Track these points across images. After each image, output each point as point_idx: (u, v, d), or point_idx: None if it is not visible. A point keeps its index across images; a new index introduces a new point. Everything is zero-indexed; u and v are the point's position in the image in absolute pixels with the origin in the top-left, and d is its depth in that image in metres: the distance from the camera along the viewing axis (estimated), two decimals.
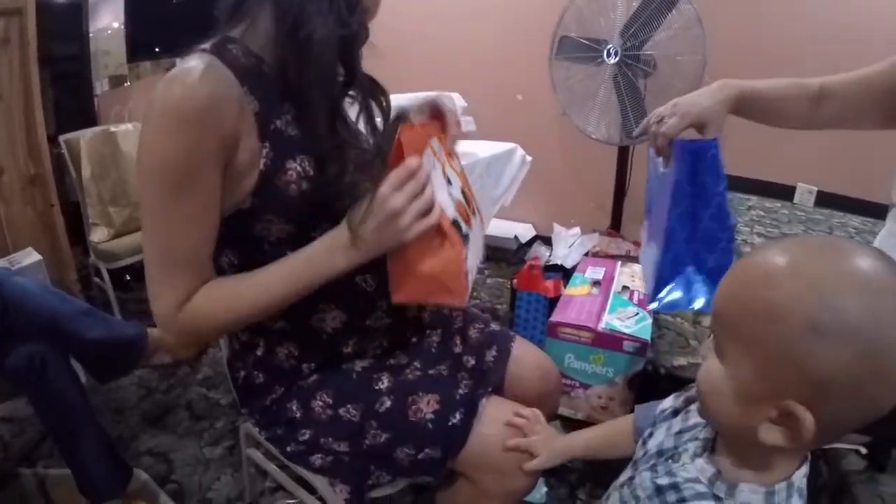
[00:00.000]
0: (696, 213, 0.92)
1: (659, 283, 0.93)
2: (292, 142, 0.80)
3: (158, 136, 0.71)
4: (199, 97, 0.70)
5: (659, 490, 0.60)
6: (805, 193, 2.70)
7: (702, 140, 0.90)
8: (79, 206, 2.46)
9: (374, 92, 0.87)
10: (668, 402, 0.73)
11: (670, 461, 0.63)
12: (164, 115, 0.70)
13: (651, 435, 0.70)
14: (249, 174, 0.76)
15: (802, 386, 0.46)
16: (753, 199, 2.71)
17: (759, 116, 1.05)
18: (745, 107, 1.01)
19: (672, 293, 0.90)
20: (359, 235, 0.74)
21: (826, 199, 2.63)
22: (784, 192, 2.74)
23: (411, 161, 0.74)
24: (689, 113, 0.94)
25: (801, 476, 0.54)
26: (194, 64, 0.72)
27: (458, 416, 0.85)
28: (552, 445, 0.87)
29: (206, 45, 0.77)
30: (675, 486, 0.59)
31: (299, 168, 0.78)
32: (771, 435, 0.49)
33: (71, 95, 4.05)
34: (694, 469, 0.59)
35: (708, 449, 0.60)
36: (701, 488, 0.57)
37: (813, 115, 1.03)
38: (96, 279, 2.43)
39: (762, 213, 2.51)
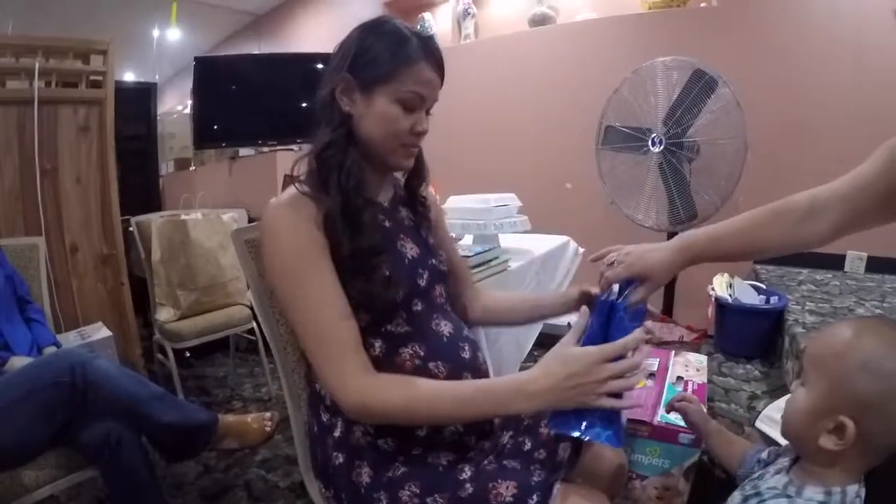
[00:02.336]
0: None
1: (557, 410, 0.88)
2: None
3: (275, 242, 0.89)
4: (295, 212, 0.89)
5: (745, 499, 0.80)
6: (855, 261, 2.66)
7: (613, 300, 0.91)
8: (142, 279, 2.60)
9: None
10: (763, 455, 0.93)
11: (756, 481, 0.83)
12: (276, 227, 0.89)
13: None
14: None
15: (851, 405, 0.69)
16: (804, 273, 2.69)
17: (735, 255, 1.04)
18: (712, 254, 1.01)
19: (568, 418, 0.85)
20: (550, 390, 0.79)
21: (877, 264, 2.59)
22: (834, 262, 2.71)
23: (632, 341, 0.81)
24: (634, 266, 0.97)
25: (853, 492, 0.72)
26: (291, 196, 0.92)
27: (535, 498, 0.89)
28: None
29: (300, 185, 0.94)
30: (758, 494, 0.79)
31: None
32: (827, 441, 0.71)
33: (137, 173, 4.34)
34: (773, 481, 0.80)
35: (784, 470, 0.81)
36: (777, 492, 0.77)
37: (804, 234, 0.97)
38: (159, 355, 2.55)
39: (813, 286, 2.48)
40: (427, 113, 0.97)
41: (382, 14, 1.00)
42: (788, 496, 0.75)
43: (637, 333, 0.81)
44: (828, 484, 0.74)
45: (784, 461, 0.84)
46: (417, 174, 1.10)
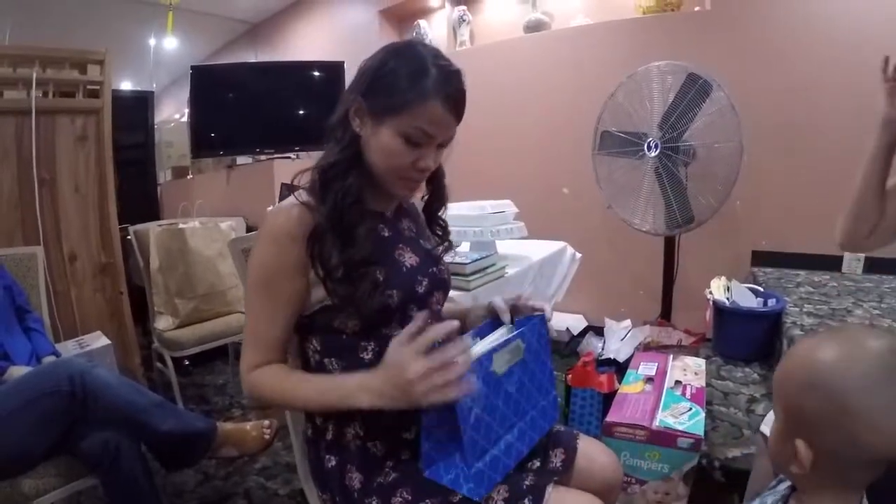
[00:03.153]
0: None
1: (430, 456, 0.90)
2: None
3: (258, 249, 0.95)
4: (285, 226, 0.91)
5: None
6: (853, 261, 2.67)
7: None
8: (141, 288, 2.60)
9: None
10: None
11: None
12: (264, 234, 0.94)
13: None
14: None
15: (802, 427, 0.67)
16: (802, 274, 2.70)
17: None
18: None
19: (438, 466, 0.88)
20: (380, 389, 0.82)
21: (875, 265, 2.60)
22: (832, 263, 2.71)
23: (446, 326, 0.81)
24: None
25: None
26: (289, 205, 0.94)
27: (526, 502, 0.90)
28: None
29: (300, 193, 0.96)
30: None
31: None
32: (794, 467, 0.69)
33: (135, 182, 4.34)
34: None
35: (783, 501, 0.78)
36: None
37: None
38: (158, 364, 2.54)
39: (811, 288, 2.49)
40: (441, 146, 0.96)
41: (413, 38, 1.00)
42: None
43: (444, 325, 0.82)
44: None
45: (783, 487, 0.81)
46: (437, 198, 1.11)
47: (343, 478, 0.96)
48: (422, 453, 0.89)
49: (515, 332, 0.95)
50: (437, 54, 0.92)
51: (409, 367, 0.78)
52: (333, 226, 0.90)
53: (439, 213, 1.13)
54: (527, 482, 0.94)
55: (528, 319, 1.00)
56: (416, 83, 0.87)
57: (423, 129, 0.89)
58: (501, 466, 0.91)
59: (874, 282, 2.50)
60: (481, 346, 0.91)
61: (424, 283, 1.01)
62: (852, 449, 0.64)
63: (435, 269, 1.05)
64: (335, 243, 0.90)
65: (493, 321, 1.05)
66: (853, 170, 2.59)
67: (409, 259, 1.01)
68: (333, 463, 0.98)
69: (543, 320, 1.02)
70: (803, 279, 2.63)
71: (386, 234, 1.01)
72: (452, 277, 1.17)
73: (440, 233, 1.14)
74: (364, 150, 0.93)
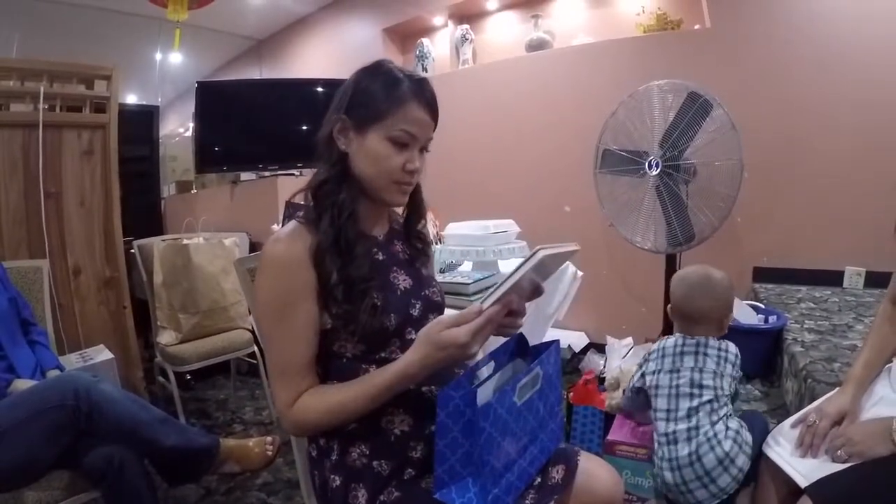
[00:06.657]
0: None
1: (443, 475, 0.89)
2: None
3: (265, 280, 0.96)
4: (289, 251, 0.94)
5: None
6: (854, 276, 2.67)
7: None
8: (144, 302, 2.61)
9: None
10: None
11: None
12: (267, 265, 0.95)
13: None
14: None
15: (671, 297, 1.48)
16: (803, 290, 2.70)
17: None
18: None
19: (450, 489, 0.87)
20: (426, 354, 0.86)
21: (876, 279, 2.60)
22: (833, 278, 2.72)
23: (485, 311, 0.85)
24: (830, 414, 1.11)
25: (672, 340, 1.44)
26: (287, 231, 0.97)
27: None
28: None
29: (300, 214, 1.00)
30: None
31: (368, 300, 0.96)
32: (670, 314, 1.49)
33: (139, 195, 4.35)
34: None
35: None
36: None
37: None
38: (160, 378, 2.54)
39: (812, 304, 2.49)
40: (423, 151, 1.01)
41: (381, 59, 1.05)
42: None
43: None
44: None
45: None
46: (416, 211, 1.15)
47: (347, 496, 0.97)
48: (434, 476, 0.89)
49: (536, 361, 0.96)
50: (403, 68, 1.01)
51: (469, 345, 0.84)
52: (333, 243, 0.94)
53: (418, 227, 1.16)
54: (527, 501, 0.94)
55: (545, 346, 1.03)
56: (392, 91, 0.95)
57: (406, 131, 0.95)
58: (514, 490, 0.92)
59: (875, 296, 2.50)
60: (502, 376, 0.95)
61: (418, 305, 1.04)
62: (675, 305, 1.43)
63: (428, 291, 1.08)
64: (335, 262, 0.94)
65: (512, 346, 1.06)
66: (853, 186, 2.62)
67: (403, 282, 1.04)
68: (338, 483, 0.98)
69: (558, 346, 1.06)
70: (804, 295, 2.64)
71: (380, 258, 1.04)
72: (455, 297, 1.19)
73: (419, 245, 1.16)
74: (352, 165, 0.99)
